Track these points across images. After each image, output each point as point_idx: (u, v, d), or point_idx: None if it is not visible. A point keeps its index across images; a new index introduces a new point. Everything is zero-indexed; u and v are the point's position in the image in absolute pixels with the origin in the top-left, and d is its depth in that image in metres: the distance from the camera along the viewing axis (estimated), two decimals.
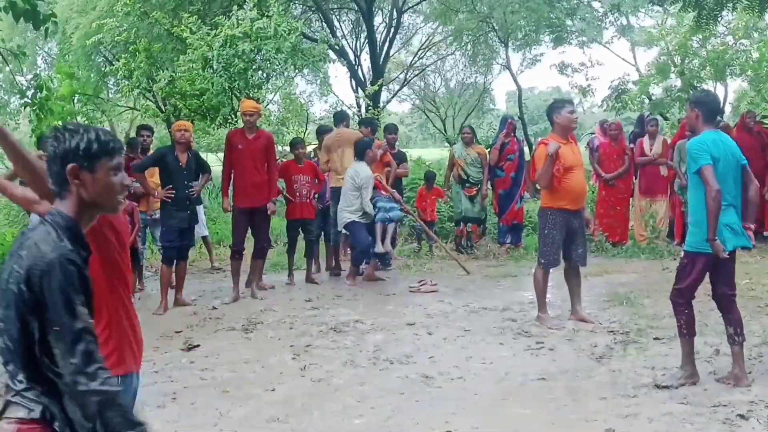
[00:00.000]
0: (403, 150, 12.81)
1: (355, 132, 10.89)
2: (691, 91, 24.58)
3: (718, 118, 7.13)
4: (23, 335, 2.48)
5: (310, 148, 14.56)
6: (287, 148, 11.97)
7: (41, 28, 8.40)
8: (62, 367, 2.42)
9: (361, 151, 9.91)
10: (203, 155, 11.06)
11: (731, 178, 5.62)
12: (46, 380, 2.49)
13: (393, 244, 11.61)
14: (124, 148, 3.30)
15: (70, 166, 2.59)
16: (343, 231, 10.92)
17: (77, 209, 2.65)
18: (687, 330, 5.79)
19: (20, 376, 2.50)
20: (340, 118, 11.09)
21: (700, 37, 22.75)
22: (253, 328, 7.80)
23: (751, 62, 23.54)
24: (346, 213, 9.81)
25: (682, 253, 5.93)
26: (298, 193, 10.02)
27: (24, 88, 11.08)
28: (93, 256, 2.75)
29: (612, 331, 7.22)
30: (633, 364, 6.26)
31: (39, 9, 8.20)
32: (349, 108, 21.95)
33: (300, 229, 10.19)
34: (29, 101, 10.64)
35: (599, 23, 27.91)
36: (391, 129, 12.18)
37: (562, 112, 7.56)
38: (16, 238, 2.66)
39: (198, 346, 7.21)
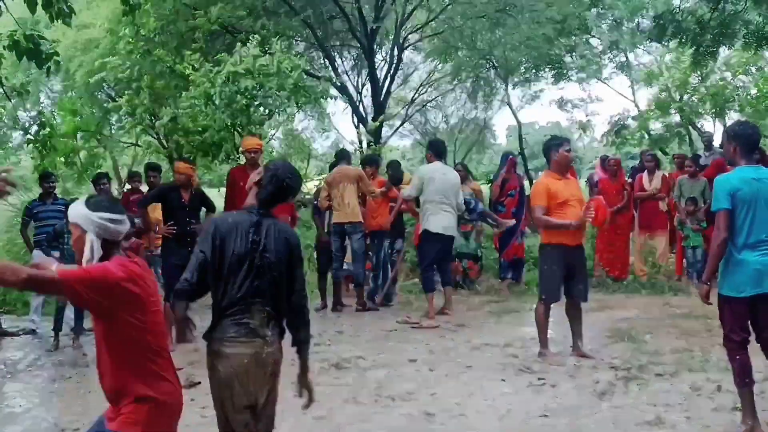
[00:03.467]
0: (405, 185, 12.79)
1: (356, 168, 10.94)
2: (689, 127, 24.81)
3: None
4: None
5: (311, 185, 14.60)
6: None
7: (44, 67, 8.48)
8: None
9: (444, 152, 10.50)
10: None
11: (765, 216, 5.26)
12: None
13: (394, 280, 11.63)
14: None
15: None
16: (345, 266, 10.98)
17: None
18: (739, 377, 5.33)
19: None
20: (343, 155, 11.11)
21: (700, 73, 22.88)
22: None
23: (750, 98, 23.66)
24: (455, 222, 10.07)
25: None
26: None
27: (27, 125, 11.15)
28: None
29: (614, 368, 7.19)
30: (635, 400, 6.23)
31: (42, 48, 8.29)
32: (350, 144, 22.05)
33: None
34: (32, 138, 10.70)
35: (598, 60, 28.15)
36: (395, 165, 12.23)
37: (560, 150, 7.62)
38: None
39: (199, 383, 7.15)
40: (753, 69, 24.19)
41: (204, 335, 4.06)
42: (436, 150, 10.32)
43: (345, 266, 10.99)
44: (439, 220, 9.77)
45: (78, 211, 3.45)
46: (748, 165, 5.40)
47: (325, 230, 11.03)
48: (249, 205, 4.16)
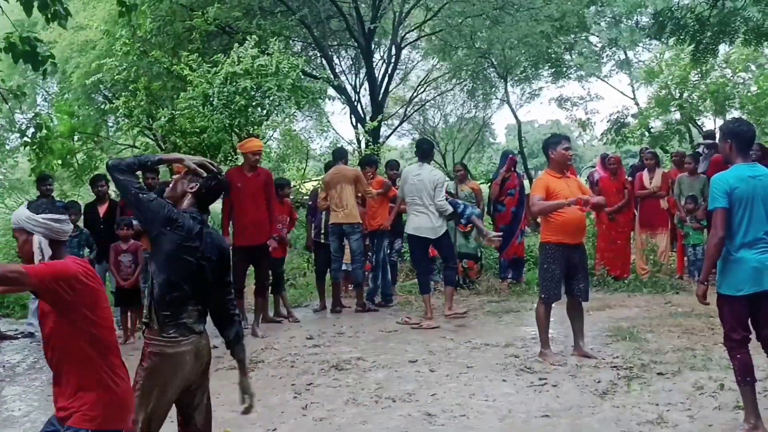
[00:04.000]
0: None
1: (353, 169, 10.89)
2: (689, 124, 24.77)
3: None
4: None
5: (310, 185, 14.53)
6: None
7: (40, 69, 8.45)
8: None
9: (427, 152, 10.08)
10: None
11: (762, 214, 5.26)
12: None
13: (394, 280, 11.59)
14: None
15: None
16: (344, 267, 10.94)
17: None
18: (741, 375, 5.30)
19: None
20: (339, 155, 11.05)
21: (700, 70, 22.84)
22: (254, 367, 7.74)
23: (750, 95, 23.63)
24: (437, 223, 9.67)
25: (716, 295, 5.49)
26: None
27: (24, 127, 11.10)
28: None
29: (615, 367, 7.16)
30: (637, 399, 6.20)
31: (38, 50, 8.25)
32: (349, 144, 22.00)
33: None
34: (29, 140, 10.65)
35: (597, 57, 28.11)
36: (393, 165, 12.19)
37: (557, 148, 7.62)
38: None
39: None
40: (753, 66, 24.17)
41: (144, 333, 4.21)
42: (417, 150, 10.29)
43: (344, 266, 10.96)
44: (411, 221, 9.83)
45: (22, 216, 3.57)
46: (744, 163, 5.39)
47: (322, 231, 10.99)
48: (189, 209, 4.23)
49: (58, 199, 11.79)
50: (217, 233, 4.44)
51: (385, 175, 11.85)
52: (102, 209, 10.19)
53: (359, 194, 10.56)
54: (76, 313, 3.40)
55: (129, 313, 9.53)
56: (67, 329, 3.43)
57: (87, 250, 9.81)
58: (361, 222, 10.47)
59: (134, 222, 9.58)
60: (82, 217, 10.05)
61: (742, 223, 5.24)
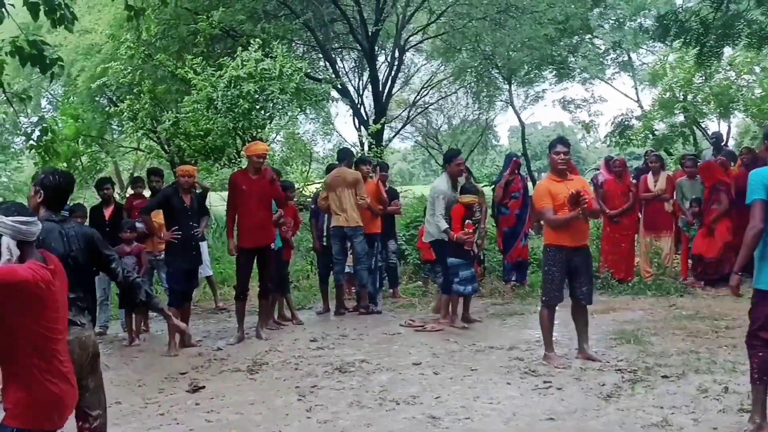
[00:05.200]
0: (407, 187, 12.77)
1: (354, 172, 10.79)
2: (694, 127, 24.74)
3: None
4: None
5: (314, 188, 14.53)
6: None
7: (47, 72, 8.46)
8: None
9: (444, 161, 9.96)
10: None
11: None
12: None
13: (396, 283, 11.61)
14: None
15: None
16: (347, 269, 10.94)
17: None
18: (758, 373, 5.27)
19: None
20: (343, 156, 11.01)
21: (704, 72, 22.83)
22: (259, 369, 7.75)
23: (754, 98, 23.62)
24: (429, 229, 9.69)
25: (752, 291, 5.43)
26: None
27: (29, 130, 11.11)
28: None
29: (620, 370, 7.16)
30: (641, 402, 6.19)
31: (45, 53, 8.26)
32: (352, 146, 22.04)
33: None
34: (34, 143, 10.67)
35: (601, 60, 28.11)
36: (383, 167, 12.20)
37: (550, 153, 7.72)
38: None
39: (203, 387, 7.17)
40: (757, 68, 24.15)
41: None
42: None
43: (346, 269, 10.94)
44: None
45: None
46: None
47: (324, 233, 10.98)
48: (45, 214, 4.54)
49: None
50: (84, 227, 4.91)
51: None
52: (107, 212, 10.21)
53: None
54: (15, 317, 3.48)
55: (133, 315, 9.54)
56: (3, 327, 3.51)
57: None
58: (362, 225, 10.45)
59: (137, 225, 9.61)
60: (88, 219, 10.07)
61: None
